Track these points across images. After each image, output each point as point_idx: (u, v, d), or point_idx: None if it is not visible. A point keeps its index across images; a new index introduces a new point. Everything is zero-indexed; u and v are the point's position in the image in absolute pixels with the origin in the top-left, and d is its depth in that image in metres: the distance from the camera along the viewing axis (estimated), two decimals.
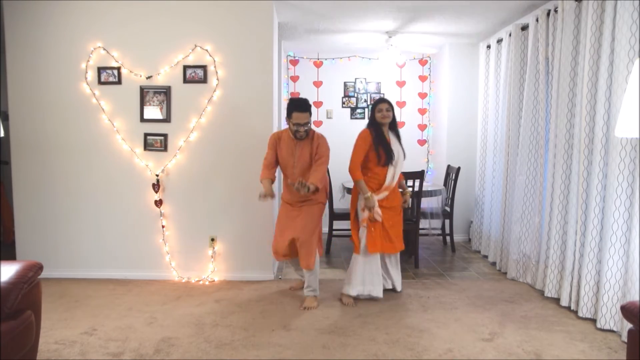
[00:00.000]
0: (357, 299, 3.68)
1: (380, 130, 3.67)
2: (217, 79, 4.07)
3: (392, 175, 3.65)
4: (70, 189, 4.17)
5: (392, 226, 3.71)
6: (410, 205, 3.88)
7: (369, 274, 3.66)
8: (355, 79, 6.31)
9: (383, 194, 3.63)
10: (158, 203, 4.14)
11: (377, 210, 3.57)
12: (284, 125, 5.99)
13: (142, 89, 4.08)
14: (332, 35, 5.33)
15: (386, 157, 3.60)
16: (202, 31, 4.05)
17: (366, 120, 6.12)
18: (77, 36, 4.05)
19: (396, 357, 2.75)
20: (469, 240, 5.75)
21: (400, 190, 3.85)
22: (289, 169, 3.65)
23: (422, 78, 6.34)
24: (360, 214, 3.65)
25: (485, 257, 5.05)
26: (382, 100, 3.69)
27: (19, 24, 4.04)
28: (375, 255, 3.68)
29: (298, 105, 3.49)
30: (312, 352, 2.81)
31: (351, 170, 3.58)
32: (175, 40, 4.05)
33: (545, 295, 3.71)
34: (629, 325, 2.19)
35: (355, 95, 6.33)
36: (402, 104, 6.33)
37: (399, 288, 3.90)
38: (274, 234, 3.76)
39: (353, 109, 6.33)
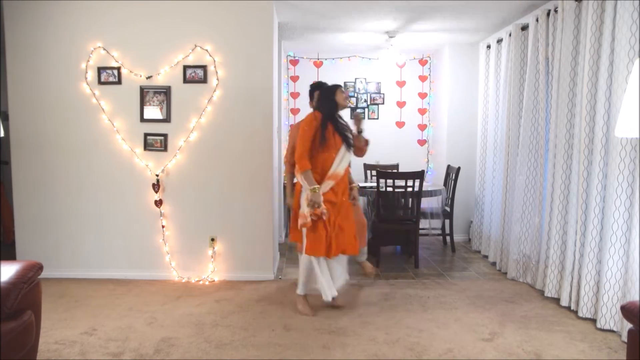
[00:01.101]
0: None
1: (334, 115, 3.43)
2: (217, 79, 4.07)
3: (339, 160, 3.34)
4: (70, 189, 4.16)
5: (339, 226, 3.35)
6: (358, 201, 3.53)
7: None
8: (355, 79, 6.31)
9: (328, 184, 3.30)
10: (158, 203, 4.14)
11: (323, 208, 3.23)
12: (285, 125, 6.00)
13: (142, 89, 4.08)
14: (332, 35, 5.33)
15: (342, 139, 3.35)
16: (202, 31, 4.04)
17: (366, 121, 6.18)
18: (77, 36, 4.05)
19: (396, 357, 2.75)
20: (469, 240, 5.74)
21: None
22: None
23: (422, 78, 6.34)
24: (304, 210, 3.29)
25: (485, 257, 5.05)
26: (338, 85, 3.51)
27: (19, 24, 4.04)
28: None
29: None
30: (312, 352, 2.81)
31: (298, 160, 3.27)
32: (175, 40, 4.05)
33: (545, 295, 3.71)
34: (629, 325, 2.19)
35: (356, 95, 6.33)
36: (402, 104, 6.34)
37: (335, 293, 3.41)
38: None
39: (353, 109, 6.32)
